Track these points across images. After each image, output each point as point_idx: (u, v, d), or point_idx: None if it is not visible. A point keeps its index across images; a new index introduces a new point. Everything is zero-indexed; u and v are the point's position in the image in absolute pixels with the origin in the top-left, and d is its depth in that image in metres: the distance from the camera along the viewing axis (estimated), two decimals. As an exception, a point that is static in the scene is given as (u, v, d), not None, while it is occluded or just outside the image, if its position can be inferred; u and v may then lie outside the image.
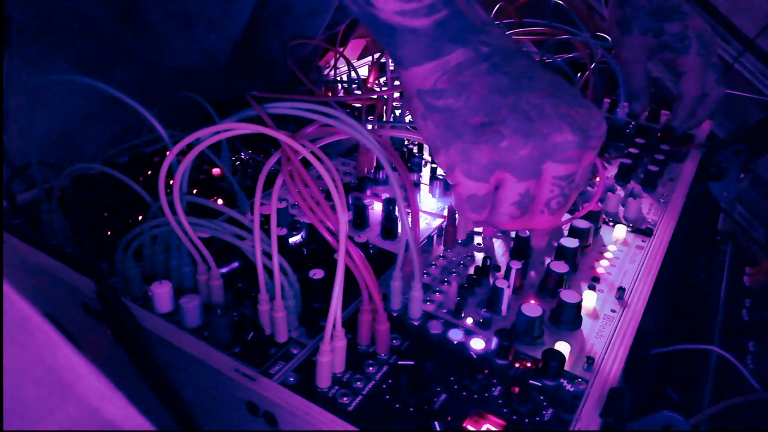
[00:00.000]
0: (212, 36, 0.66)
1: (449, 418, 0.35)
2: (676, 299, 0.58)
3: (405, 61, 0.38)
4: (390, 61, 0.71)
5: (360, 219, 0.53)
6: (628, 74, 0.75)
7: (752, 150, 0.72)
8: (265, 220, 0.38)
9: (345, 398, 0.36)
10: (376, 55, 0.79)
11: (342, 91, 0.81)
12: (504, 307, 0.43)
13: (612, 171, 0.65)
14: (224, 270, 0.45)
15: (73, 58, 0.65)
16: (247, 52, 0.72)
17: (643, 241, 0.54)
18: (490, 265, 0.48)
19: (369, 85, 0.72)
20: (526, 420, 0.35)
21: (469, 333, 0.41)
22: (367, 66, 0.83)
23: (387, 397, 0.36)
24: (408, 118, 0.77)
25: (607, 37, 0.79)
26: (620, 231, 0.54)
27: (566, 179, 0.36)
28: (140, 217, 0.52)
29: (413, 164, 0.64)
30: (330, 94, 0.80)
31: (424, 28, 0.36)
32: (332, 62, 0.86)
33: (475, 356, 0.39)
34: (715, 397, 0.47)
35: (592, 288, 0.46)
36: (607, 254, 0.51)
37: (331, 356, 0.36)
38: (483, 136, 0.35)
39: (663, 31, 0.70)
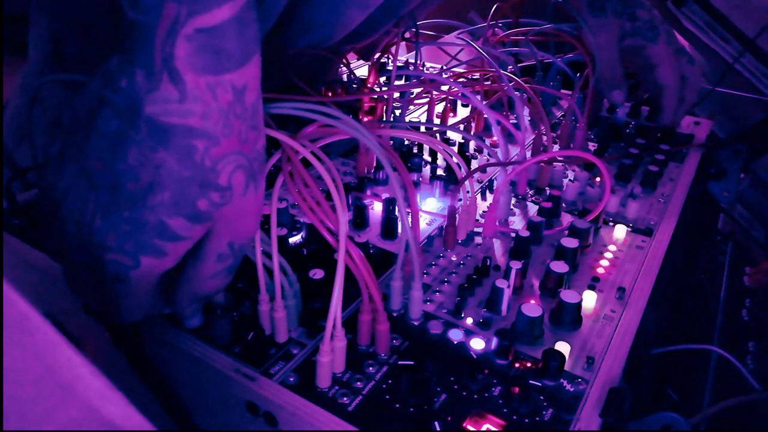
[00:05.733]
0: None
1: (449, 418, 0.35)
2: (676, 299, 0.58)
3: None
4: (390, 60, 0.71)
5: (360, 219, 0.53)
6: (601, 61, 0.72)
7: (752, 150, 0.72)
8: (265, 220, 0.38)
9: (345, 398, 0.36)
10: (376, 56, 0.79)
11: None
12: (504, 307, 0.43)
13: (612, 171, 0.65)
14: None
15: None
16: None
17: (643, 241, 0.54)
18: (490, 265, 0.48)
19: (369, 86, 0.72)
20: (526, 420, 0.35)
21: (469, 333, 0.41)
22: (366, 66, 0.83)
23: (387, 397, 0.36)
24: (408, 118, 0.77)
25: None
26: (620, 231, 0.54)
27: None
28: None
29: (413, 164, 0.64)
30: (330, 94, 0.80)
31: None
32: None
33: (475, 356, 0.39)
34: (715, 397, 0.47)
35: (592, 288, 0.46)
36: (607, 254, 0.51)
37: (331, 356, 0.36)
38: None
39: (636, 17, 0.70)
